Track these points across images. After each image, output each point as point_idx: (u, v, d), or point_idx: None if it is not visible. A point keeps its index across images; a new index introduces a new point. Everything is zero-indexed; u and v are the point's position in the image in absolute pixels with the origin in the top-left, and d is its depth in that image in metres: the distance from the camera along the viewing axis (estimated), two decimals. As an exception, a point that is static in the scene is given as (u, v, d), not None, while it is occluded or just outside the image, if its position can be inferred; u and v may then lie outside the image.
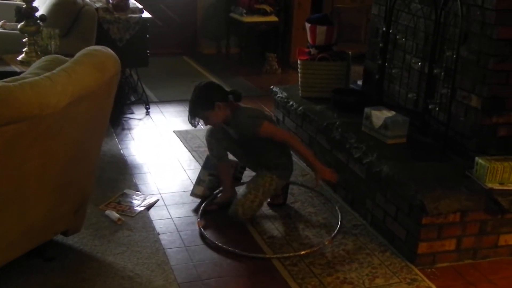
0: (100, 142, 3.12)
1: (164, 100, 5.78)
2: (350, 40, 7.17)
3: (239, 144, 3.70)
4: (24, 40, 4.26)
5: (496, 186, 3.24)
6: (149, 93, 5.79)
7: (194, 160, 4.46)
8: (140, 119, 5.30)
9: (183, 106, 5.64)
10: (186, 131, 5.01)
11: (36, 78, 2.43)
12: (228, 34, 7.47)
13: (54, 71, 2.50)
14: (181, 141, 4.81)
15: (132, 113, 5.41)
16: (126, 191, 3.94)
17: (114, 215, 3.60)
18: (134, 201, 3.81)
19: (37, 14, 4.24)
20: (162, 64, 6.84)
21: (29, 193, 2.72)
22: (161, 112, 5.49)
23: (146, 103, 5.50)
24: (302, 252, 3.32)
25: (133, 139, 4.83)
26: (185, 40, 7.56)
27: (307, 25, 4.57)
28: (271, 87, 5.01)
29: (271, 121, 3.66)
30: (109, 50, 2.84)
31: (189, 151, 4.63)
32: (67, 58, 2.78)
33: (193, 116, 3.53)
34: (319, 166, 3.56)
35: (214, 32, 7.58)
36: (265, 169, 3.63)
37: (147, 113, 5.43)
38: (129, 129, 5.07)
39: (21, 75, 2.61)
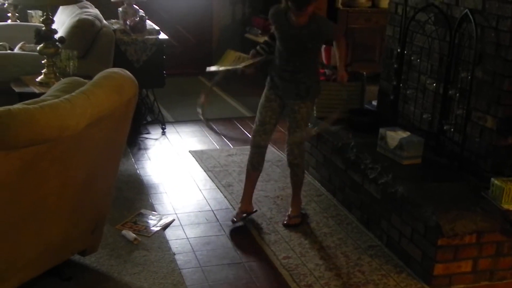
0: (118, 163, 3.16)
1: (180, 120, 5.82)
2: (364, 60, 7.19)
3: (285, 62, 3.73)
4: (43, 61, 4.32)
5: (512, 207, 3.24)
6: (165, 113, 5.84)
7: (210, 180, 4.49)
8: (156, 139, 5.35)
9: (198, 126, 5.68)
10: (202, 151, 5.04)
11: (56, 100, 2.47)
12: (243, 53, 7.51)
13: (73, 94, 2.55)
14: (197, 161, 4.84)
15: (149, 133, 5.46)
16: (143, 211, 3.97)
17: (131, 235, 3.63)
18: (150, 221, 3.84)
19: (56, 36, 4.31)
20: (178, 84, 6.90)
21: (48, 213, 2.76)
22: (177, 132, 5.53)
23: (162, 123, 5.54)
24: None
25: (149, 159, 4.87)
26: (200, 60, 7.61)
27: (322, 46, 4.59)
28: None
29: None
30: (127, 72, 2.88)
31: (204, 171, 4.66)
32: (86, 81, 2.83)
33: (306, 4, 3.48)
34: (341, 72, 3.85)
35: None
36: (299, 98, 3.70)
37: (163, 133, 5.47)
38: (146, 149, 5.11)
39: (41, 98, 2.66)
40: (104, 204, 3.20)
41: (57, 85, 2.80)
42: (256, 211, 4.00)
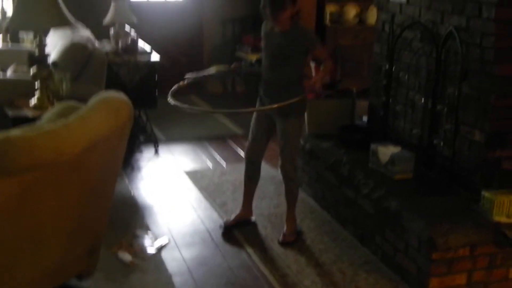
0: (114, 185, 3.19)
1: (173, 139, 5.86)
2: (353, 76, 7.27)
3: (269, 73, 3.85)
4: (36, 84, 4.35)
5: (504, 220, 3.30)
6: (157, 132, 5.88)
7: (204, 200, 4.53)
8: (149, 159, 5.38)
9: (191, 145, 5.73)
10: (195, 170, 5.09)
11: (53, 125, 2.51)
12: (233, 73, 7.58)
13: (69, 118, 2.58)
14: (191, 180, 4.88)
15: (142, 152, 5.49)
16: (138, 232, 4.00)
17: (127, 257, 3.66)
18: (145, 242, 3.87)
19: (49, 59, 4.35)
20: (170, 104, 6.93)
21: (45, 236, 2.78)
22: (170, 151, 5.57)
23: (155, 143, 5.58)
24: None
25: (143, 179, 4.91)
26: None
27: (312, 64, 4.66)
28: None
29: None
30: (123, 95, 2.92)
31: (199, 190, 4.70)
32: (81, 105, 2.87)
33: (279, 3, 3.62)
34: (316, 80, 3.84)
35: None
36: (284, 115, 3.80)
37: (156, 153, 5.51)
38: (139, 169, 5.14)
39: (38, 122, 2.69)
40: (100, 227, 3.22)
41: (53, 109, 2.84)
42: (254, 221, 4.10)
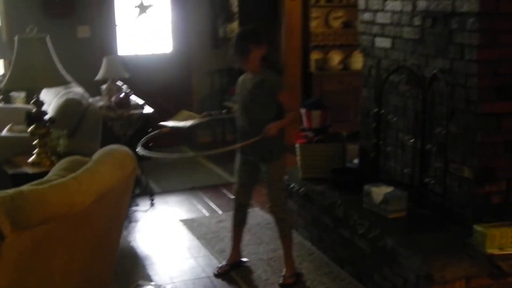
0: (119, 236, 3.29)
1: (168, 190, 5.96)
2: (340, 120, 7.44)
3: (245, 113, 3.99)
4: (34, 142, 4.46)
5: (496, 252, 3.41)
6: (152, 184, 5.97)
7: (203, 247, 4.61)
8: (145, 211, 5.46)
9: (186, 195, 5.83)
10: (192, 220, 5.17)
11: (63, 179, 2.62)
12: (223, 122, 7.74)
13: (78, 172, 2.70)
14: (188, 229, 4.97)
15: (138, 205, 5.57)
16: (141, 282, 4.06)
17: (132, 306, 3.72)
18: (149, 291, 3.93)
19: (46, 116, 4.47)
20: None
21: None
22: (166, 202, 5.66)
23: (150, 195, 5.67)
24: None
25: (141, 231, 4.98)
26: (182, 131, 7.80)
27: (303, 111, 4.82)
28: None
29: None
30: (126, 148, 3.05)
31: (197, 238, 4.78)
32: (87, 159, 2.98)
33: (243, 46, 3.83)
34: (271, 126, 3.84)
35: (209, 121, 7.83)
36: (264, 161, 3.96)
37: (152, 205, 5.59)
38: (136, 221, 5.22)
39: (46, 178, 2.80)
40: (107, 277, 3.30)
41: (60, 164, 2.95)
42: (246, 261, 4.25)
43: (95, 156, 2.94)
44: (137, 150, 3.87)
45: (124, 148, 3.04)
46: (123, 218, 3.24)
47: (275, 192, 4.01)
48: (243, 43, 3.85)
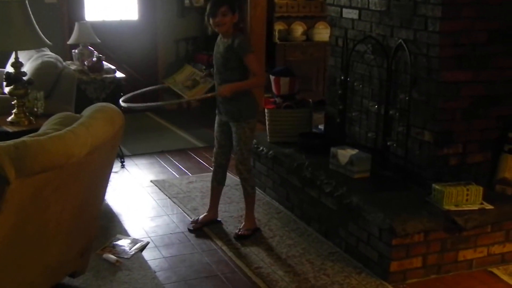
0: (105, 189, 3.48)
1: (137, 153, 6.13)
2: (303, 90, 7.68)
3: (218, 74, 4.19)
4: (13, 102, 4.58)
5: (452, 208, 3.73)
6: (122, 147, 6.13)
7: (176, 206, 4.83)
8: (116, 172, 5.62)
9: (155, 158, 6.02)
10: (163, 180, 5.38)
11: (61, 132, 2.80)
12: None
13: (74, 126, 2.88)
14: (160, 189, 5.17)
15: (109, 167, 5.73)
16: (118, 236, 4.27)
17: (112, 257, 3.92)
18: (127, 245, 4.14)
19: (24, 77, 4.59)
20: (129, 120, 7.16)
21: (48, 236, 3.04)
22: (136, 164, 5.84)
23: (121, 157, 5.83)
24: (288, 278, 3.71)
25: (114, 190, 5.16)
26: (148, 97, 7.93)
27: (272, 77, 5.05)
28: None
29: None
30: (114, 106, 3.23)
31: (169, 197, 4.99)
32: (78, 115, 3.16)
33: (218, 7, 3.99)
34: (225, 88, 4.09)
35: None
36: (234, 120, 4.18)
37: (123, 166, 5.76)
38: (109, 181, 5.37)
39: (42, 131, 2.97)
40: (93, 228, 3.50)
41: (52, 120, 3.10)
42: (220, 220, 4.49)
43: (86, 112, 3.12)
44: (121, 102, 4.16)
45: (113, 106, 3.23)
46: (110, 172, 3.43)
47: (241, 152, 4.22)
48: (220, 6, 4.01)
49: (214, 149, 4.43)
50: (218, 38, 4.22)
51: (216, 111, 4.34)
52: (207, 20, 4.13)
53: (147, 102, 4.36)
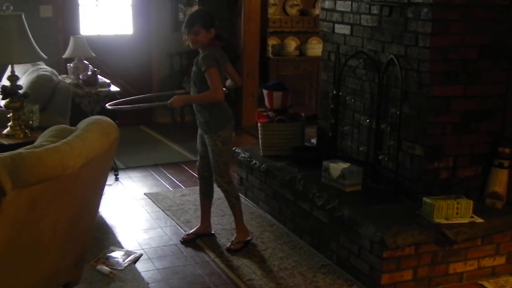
0: (100, 201, 3.51)
1: (131, 166, 6.17)
2: (295, 105, 7.74)
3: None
4: (8, 115, 4.61)
5: (443, 221, 3.78)
6: (115, 160, 6.16)
7: (169, 218, 4.86)
8: (110, 185, 5.66)
9: (148, 171, 6.06)
10: (157, 193, 5.41)
11: (56, 144, 2.83)
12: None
13: (69, 138, 2.91)
14: (153, 202, 5.20)
15: (102, 179, 5.76)
16: (112, 248, 4.29)
17: (105, 269, 3.95)
18: (120, 256, 4.17)
19: (20, 91, 4.63)
20: (123, 133, 7.18)
21: (42, 247, 3.06)
22: (130, 177, 5.88)
23: (115, 170, 5.87)
24: (280, 290, 3.74)
25: (108, 203, 5.19)
26: (142, 111, 7.98)
27: (265, 92, 5.10)
28: (233, 148, 5.48)
29: (219, 70, 4.11)
30: (109, 119, 3.27)
31: (162, 210, 5.03)
32: (73, 127, 3.19)
33: (191, 26, 4.05)
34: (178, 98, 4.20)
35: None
36: (204, 132, 4.26)
37: (117, 179, 5.80)
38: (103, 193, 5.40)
39: (38, 143, 3.00)
40: (87, 239, 3.53)
41: (48, 132, 3.13)
42: (213, 233, 4.52)
43: (81, 125, 3.16)
44: (107, 106, 4.40)
45: (107, 119, 3.27)
46: (104, 184, 3.46)
47: (216, 165, 4.25)
48: (192, 25, 4.05)
49: (197, 161, 4.51)
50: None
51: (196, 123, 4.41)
52: (184, 37, 4.18)
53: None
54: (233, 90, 5.35)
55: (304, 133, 5.16)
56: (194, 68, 4.19)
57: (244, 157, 5.22)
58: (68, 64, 6.21)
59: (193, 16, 4.13)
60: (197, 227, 4.54)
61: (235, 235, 4.39)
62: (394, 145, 4.19)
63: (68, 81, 5.71)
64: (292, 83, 7.83)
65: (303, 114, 5.28)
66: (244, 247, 4.32)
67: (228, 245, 4.33)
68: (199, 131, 4.35)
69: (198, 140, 4.41)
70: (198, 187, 5.39)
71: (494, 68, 4.03)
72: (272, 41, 7.99)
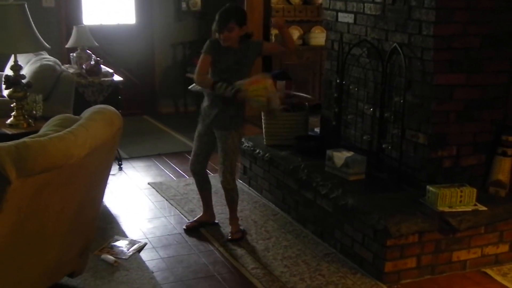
0: (104, 190, 3.53)
1: (134, 156, 6.18)
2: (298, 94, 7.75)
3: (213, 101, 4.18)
4: (12, 105, 4.62)
5: (446, 209, 3.78)
6: (119, 149, 6.17)
7: (173, 208, 4.87)
8: (114, 174, 5.66)
9: (152, 161, 6.07)
10: (161, 183, 5.42)
11: (61, 133, 2.85)
12: (185, 93, 7.97)
13: (74, 127, 2.93)
14: (157, 192, 5.21)
15: (106, 169, 5.77)
16: (116, 237, 4.31)
17: (110, 258, 3.97)
18: (125, 246, 4.18)
19: (23, 80, 4.63)
20: (126, 123, 7.20)
21: (47, 236, 3.09)
22: (133, 167, 5.89)
23: (118, 160, 5.87)
24: (284, 278, 3.76)
25: (112, 192, 5.20)
26: (145, 101, 8.00)
27: (282, 83, 5.10)
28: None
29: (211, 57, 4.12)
30: (113, 108, 3.28)
31: (166, 199, 5.04)
32: (77, 117, 3.20)
33: (226, 23, 3.97)
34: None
35: (172, 92, 8.07)
36: (224, 128, 4.16)
37: (120, 169, 5.81)
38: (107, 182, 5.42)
39: (42, 132, 3.01)
40: (91, 229, 3.55)
41: (52, 121, 3.15)
42: (217, 223, 4.55)
43: (85, 114, 3.17)
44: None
45: (112, 108, 3.28)
46: (108, 174, 3.47)
47: (229, 162, 4.22)
48: (227, 22, 3.98)
49: (191, 157, 4.45)
50: (217, 44, 4.09)
51: (199, 119, 4.34)
52: (213, 30, 4.09)
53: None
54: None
55: (307, 122, 5.16)
56: (234, 57, 4.08)
57: (248, 146, 5.22)
58: (71, 54, 6.22)
59: (227, 12, 4.03)
60: (200, 215, 4.55)
61: (231, 227, 4.39)
62: (397, 134, 4.19)
63: (71, 70, 5.72)
64: (296, 73, 7.83)
65: (306, 103, 5.27)
66: (243, 236, 4.34)
67: (229, 237, 4.33)
68: (204, 128, 4.27)
69: (199, 139, 4.34)
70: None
71: (497, 57, 4.02)
72: (275, 31, 7.94)
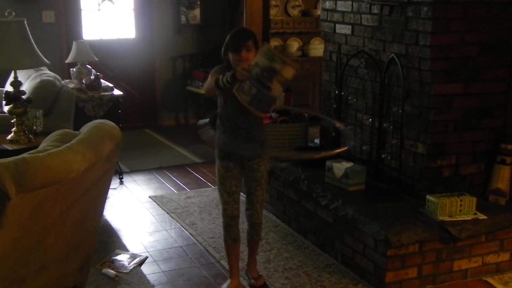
0: (104, 204, 3.53)
1: (135, 169, 6.19)
2: (299, 105, 7.77)
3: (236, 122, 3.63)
4: (12, 121, 4.64)
5: (446, 219, 3.79)
6: (119, 163, 6.18)
7: (174, 221, 4.88)
8: (115, 188, 5.68)
9: (153, 174, 6.08)
10: (162, 196, 5.43)
11: (59, 148, 2.85)
12: (186, 106, 8.01)
13: (73, 142, 2.93)
14: (158, 205, 5.22)
15: (107, 183, 5.79)
16: (117, 251, 4.31)
17: (111, 272, 3.97)
18: (126, 260, 4.19)
19: (23, 96, 4.65)
20: (127, 137, 7.22)
21: (47, 251, 3.09)
22: (134, 180, 5.90)
23: (119, 173, 5.89)
24: None
25: (113, 206, 5.21)
26: (146, 114, 8.03)
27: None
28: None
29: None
30: (112, 122, 3.29)
31: (167, 213, 5.04)
32: (76, 132, 3.22)
33: (244, 41, 3.50)
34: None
35: (173, 105, 8.10)
36: (257, 156, 3.68)
37: (121, 183, 5.82)
38: (108, 197, 5.43)
39: (41, 148, 3.02)
40: (92, 243, 3.55)
41: (51, 137, 3.16)
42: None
43: (84, 129, 3.18)
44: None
45: (111, 122, 3.29)
46: (108, 187, 3.48)
47: (262, 193, 3.76)
48: (247, 40, 3.53)
49: (223, 198, 3.73)
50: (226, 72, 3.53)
51: (221, 155, 3.70)
52: (223, 53, 3.62)
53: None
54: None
55: (307, 133, 5.17)
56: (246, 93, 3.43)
57: (248, 158, 5.23)
58: (71, 69, 6.25)
59: (244, 32, 3.70)
60: (228, 283, 3.83)
61: (253, 270, 3.92)
62: (396, 144, 4.20)
63: (71, 85, 5.74)
64: (295, 84, 7.86)
65: (305, 114, 5.28)
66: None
67: (255, 283, 3.86)
68: (229, 164, 3.69)
69: (228, 174, 3.68)
70: (202, 189, 5.49)
71: (495, 65, 4.04)
72: (274, 42, 7.99)
